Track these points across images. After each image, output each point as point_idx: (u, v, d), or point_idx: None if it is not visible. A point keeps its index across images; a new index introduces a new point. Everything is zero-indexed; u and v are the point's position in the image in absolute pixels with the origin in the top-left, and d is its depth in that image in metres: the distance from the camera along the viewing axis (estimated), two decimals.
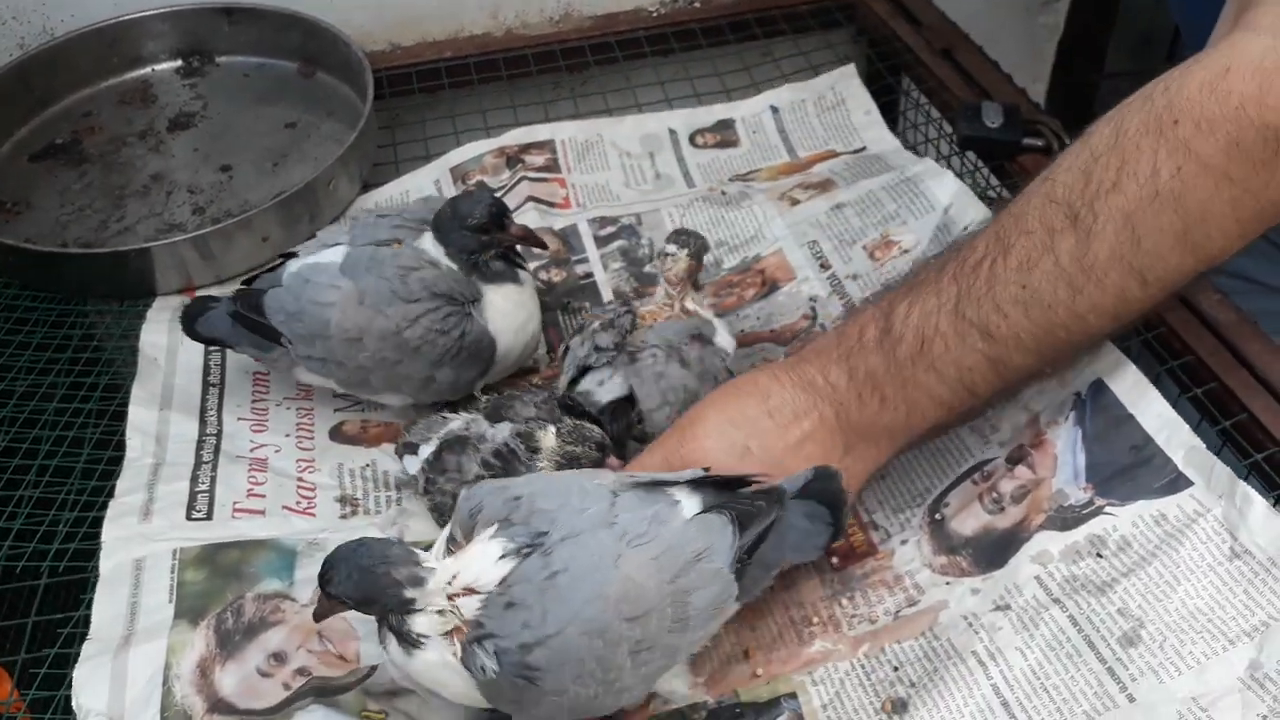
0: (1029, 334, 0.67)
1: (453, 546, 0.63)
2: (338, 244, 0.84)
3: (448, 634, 0.61)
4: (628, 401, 0.79)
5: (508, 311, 0.83)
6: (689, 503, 0.64)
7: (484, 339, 0.82)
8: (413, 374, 0.82)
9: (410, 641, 0.61)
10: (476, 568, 0.61)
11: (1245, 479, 0.73)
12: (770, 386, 0.71)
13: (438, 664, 0.61)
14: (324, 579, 0.61)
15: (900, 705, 0.65)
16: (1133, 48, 1.77)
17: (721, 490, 0.65)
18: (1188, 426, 0.71)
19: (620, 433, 0.79)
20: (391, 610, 0.61)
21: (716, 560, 0.63)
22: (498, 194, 1.07)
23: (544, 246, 0.85)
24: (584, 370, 0.80)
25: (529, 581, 0.60)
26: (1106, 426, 0.72)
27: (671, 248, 0.83)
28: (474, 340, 0.82)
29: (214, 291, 0.96)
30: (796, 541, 0.68)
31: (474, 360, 0.83)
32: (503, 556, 0.60)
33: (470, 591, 0.60)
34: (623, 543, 0.61)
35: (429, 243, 0.83)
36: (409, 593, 0.60)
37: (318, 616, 0.64)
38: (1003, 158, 1.04)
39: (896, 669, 0.67)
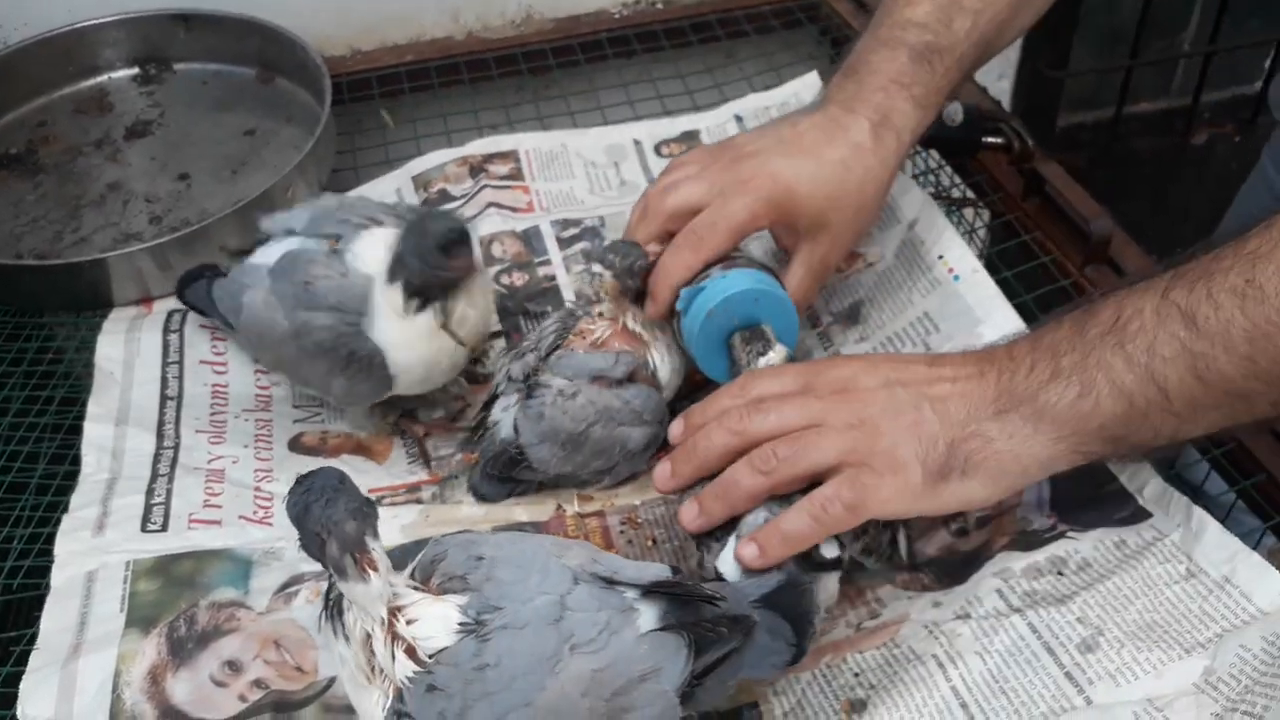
0: (1241, 332, 0.57)
1: (411, 581, 0.59)
2: (292, 237, 0.84)
3: (369, 667, 0.57)
4: (515, 431, 0.80)
5: (409, 340, 0.80)
6: (646, 614, 0.59)
7: (375, 358, 0.80)
8: (310, 378, 0.83)
9: (330, 617, 0.58)
10: (429, 628, 0.57)
11: (1230, 509, 0.74)
12: (946, 356, 0.69)
13: (347, 678, 0.59)
14: (293, 484, 0.57)
15: (859, 705, 0.65)
16: (1097, 45, 1.78)
17: (685, 603, 0.60)
18: (1149, 467, 0.72)
19: (504, 466, 0.80)
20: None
21: (663, 683, 0.58)
22: (460, 200, 1.07)
23: (472, 270, 0.79)
24: (494, 398, 0.82)
25: (457, 666, 0.56)
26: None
27: (597, 267, 0.81)
28: (364, 358, 0.80)
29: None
30: (753, 660, 0.62)
31: (365, 374, 0.81)
32: (458, 626, 0.57)
33: (411, 651, 0.56)
34: (565, 646, 0.57)
35: (363, 244, 0.80)
36: (333, 575, 0.56)
37: None
38: (964, 156, 1.05)
39: (857, 675, 0.67)
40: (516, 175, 1.10)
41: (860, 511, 0.64)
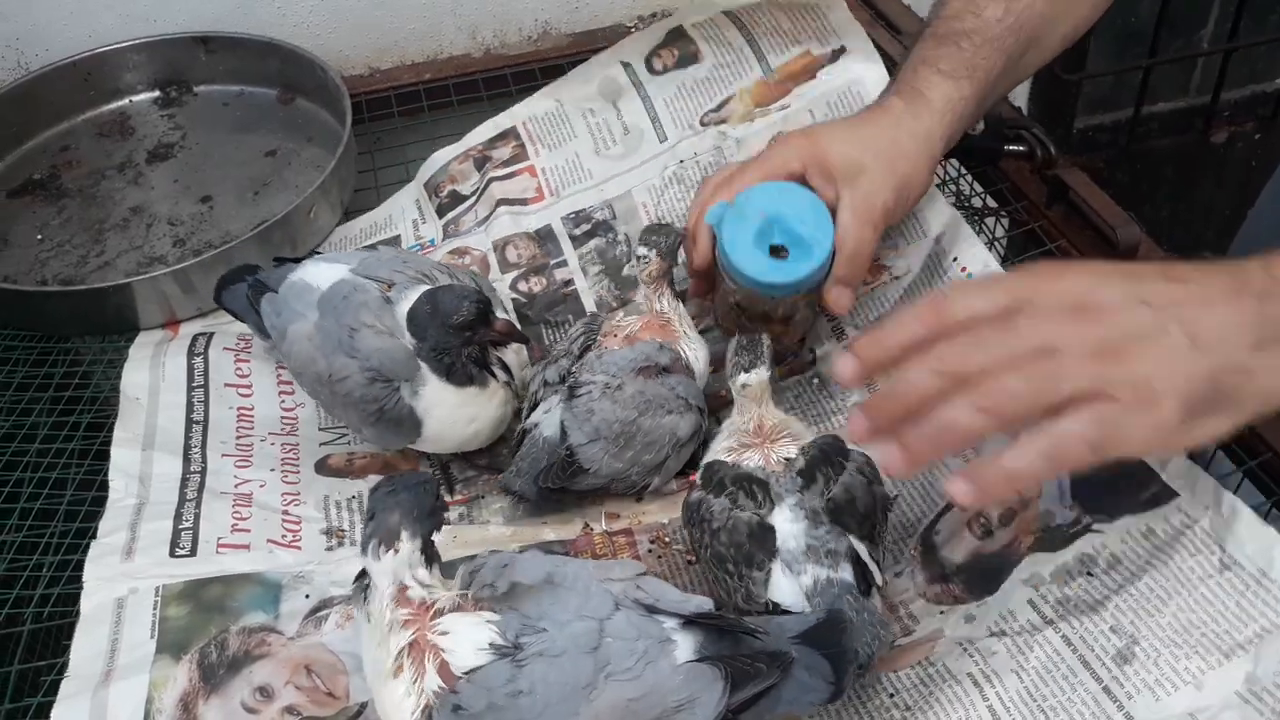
0: None
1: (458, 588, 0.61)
2: (342, 265, 0.84)
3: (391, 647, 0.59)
4: (563, 434, 0.79)
5: (452, 405, 0.80)
6: (684, 645, 0.59)
7: (406, 419, 0.80)
8: (342, 418, 0.84)
9: (360, 589, 0.61)
10: (458, 641, 0.58)
11: (1238, 486, 0.73)
12: (1176, 264, 0.60)
13: (369, 662, 0.60)
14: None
15: None
16: (1113, 47, 1.76)
17: (722, 635, 0.60)
18: None
19: (556, 475, 0.79)
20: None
21: (698, 715, 0.58)
22: (471, 198, 1.07)
23: (525, 341, 0.82)
24: (533, 407, 0.82)
25: (488, 690, 0.56)
26: None
27: (642, 249, 0.83)
28: (394, 416, 0.80)
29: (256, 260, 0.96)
30: (791, 697, 0.61)
31: (395, 430, 0.81)
32: (488, 646, 0.57)
33: (440, 660, 0.57)
34: (601, 674, 0.57)
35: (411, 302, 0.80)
36: (369, 553, 0.59)
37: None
38: (986, 164, 1.04)
39: (892, 695, 0.66)
40: (520, 155, 1.08)
41: (1104, 453, 0.56)
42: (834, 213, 0.82)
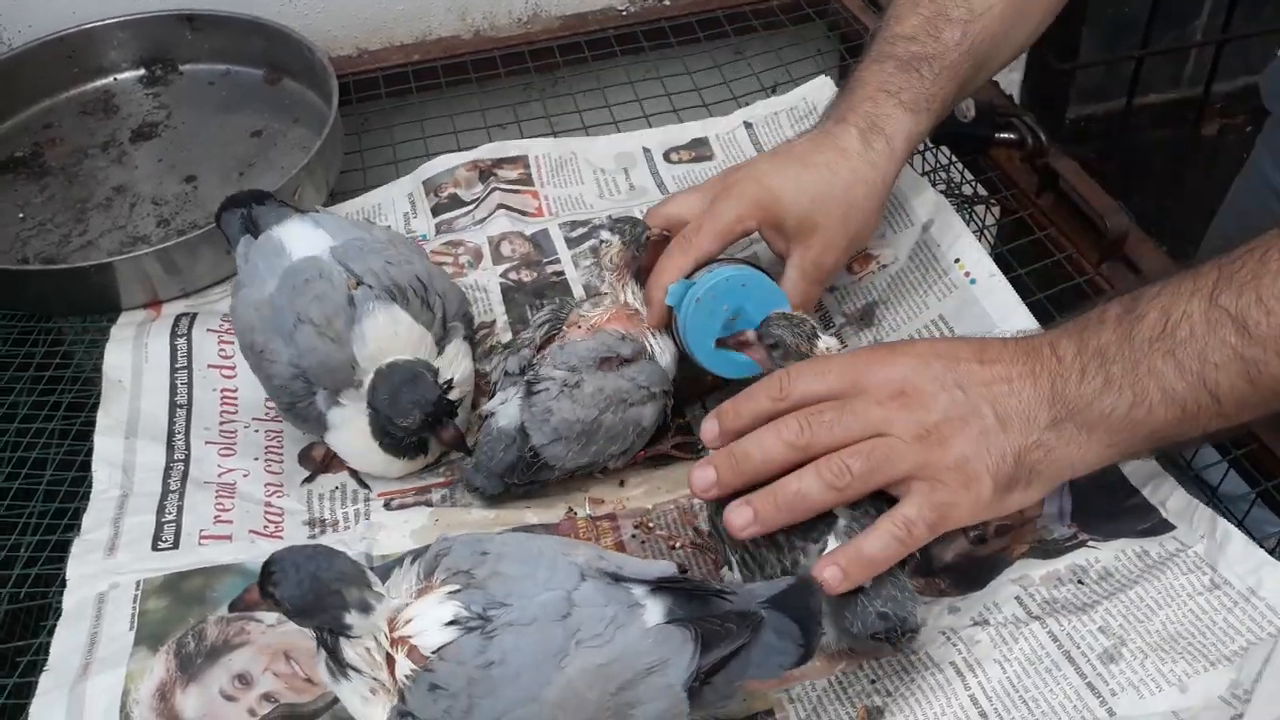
0: None
1: (419, 582, 0.60)
2: (325, 238, 0.81)
3: (376, 680, 0.57)
4: (524, 434, 0.78)
5: (353, 437, 0.80)
6: (653, 609, 0.59)
7: (314, 420, 0.80)
8: (259, 382, 0.82)
9: (338, 667, 0.58)
10: (422, 623, 0.57)
11: (1224, 476, 0.73)
12: (990, 344, 0.67)
13: (359, 702, 0.58)
14: (266, 579, 0.57)
15: (877, 712, 0.64)
16: (1106, 37, 1.76)
17: (690, 599, 0.60)
18: (1172, 479, 0.71)
19: (515, 462, 0.78)
20: (329, 629, 0.58)
21: (670, 676, 0.58)
22: (470, 205, 1.06)
23: (468, 453, 0.80)
24: (494, 393, 0.82)
25: (461, 664, 0.56)
26: (1093, 480, 0.70)
27: (606, 234, 0.81)
28: (304, 414, 0.80)
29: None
30: (760, 659, 0.61)
31: (303, 423, 0.81)
32: (451, 622, 0.57)
33: (409, 647, 0.57)
34: (572, 641, 0.57)
35: (376, 324, 0.77)
36: (349, 618, 0.56)
37: (235, 606, 0.61)
38: (976, 152, 1.04)
39: (874, 681, 0.66)
40: (526, 181, 1.09)
41: (940, 529, 0.63)
42: (783, 260, 0.82)
